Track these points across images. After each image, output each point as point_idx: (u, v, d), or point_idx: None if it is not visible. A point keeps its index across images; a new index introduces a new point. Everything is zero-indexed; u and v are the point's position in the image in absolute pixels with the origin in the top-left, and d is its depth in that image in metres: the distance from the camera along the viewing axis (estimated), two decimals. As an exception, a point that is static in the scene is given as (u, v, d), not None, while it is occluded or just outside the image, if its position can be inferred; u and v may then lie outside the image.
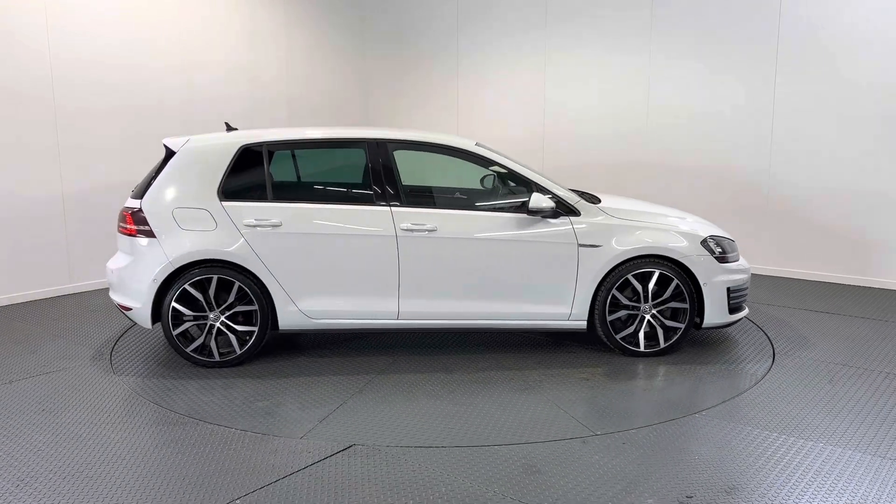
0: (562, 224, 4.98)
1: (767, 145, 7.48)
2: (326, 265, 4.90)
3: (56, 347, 5.44)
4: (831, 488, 3.28)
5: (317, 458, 3.63)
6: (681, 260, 5.02)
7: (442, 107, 9.85)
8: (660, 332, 5.09)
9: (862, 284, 7.10)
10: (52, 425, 4.04)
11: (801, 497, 3.20)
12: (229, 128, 5.43)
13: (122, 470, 3.51)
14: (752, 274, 7.59)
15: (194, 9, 7.93)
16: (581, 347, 5.32)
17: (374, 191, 4.98)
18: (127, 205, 4.99)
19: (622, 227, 5.04)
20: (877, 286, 7.02)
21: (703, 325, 5.13)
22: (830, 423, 3.98)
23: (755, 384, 4.58)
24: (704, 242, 5.11)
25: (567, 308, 5.05)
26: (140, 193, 4.96)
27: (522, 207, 4.98)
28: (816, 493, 3.24)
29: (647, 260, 5.00)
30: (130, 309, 4.91)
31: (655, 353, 5.11)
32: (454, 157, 5.15)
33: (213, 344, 4.90)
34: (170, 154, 5.00)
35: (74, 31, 6.92)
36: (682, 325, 5.08)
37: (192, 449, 3.74)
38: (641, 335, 5.09)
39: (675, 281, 5.01)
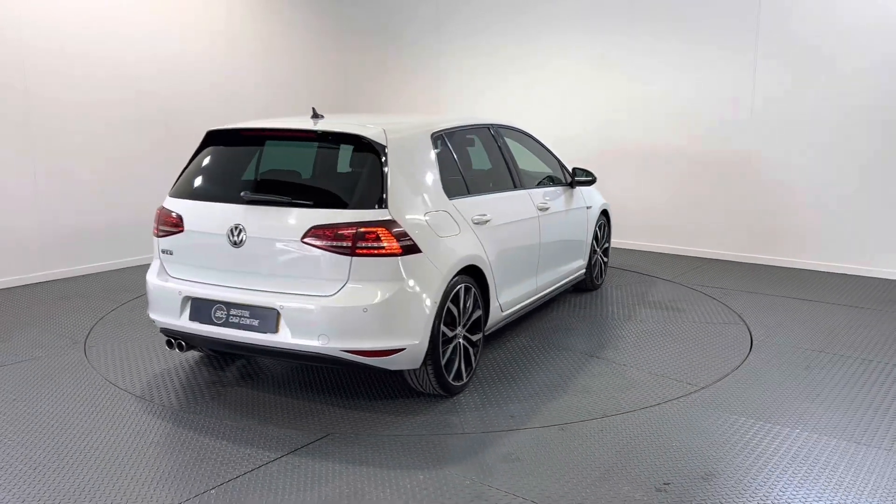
0: (578, 192, 5.99)
1: (747, 132, 7.49)
2: (515, 254, 4.84)
3: (28, 336, 5.34)
4: (807, 474, 3.30)
5: (292, 447, 3.59)
6: (608, 210, 6.67)
7: (425, 95, 9.78)
8: (604, 267, 6.73)
9: (839, 272, 7.15)
10: (23, 415, 3.97)
11: (776, 483, 3.22)
12: (315, 113, 4.56)
13: (94, 460, 3.45)
14: (730, 261, 7.70)
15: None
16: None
17: (512, 175, 5.15)
18: (361, 219, 3.75)
19: (589, 192, 6.26)
20: (854, 273, 7.07)
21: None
22: (807, 410, 4.00)
23: (732, 371, 4.60)
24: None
25: (584, 260, 6.20)
26: (365, 200, 3.83)
27: (562, 181, 5.84)
28: (792, 478, 3.26)
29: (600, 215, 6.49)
30: (401, 350, 3.80)
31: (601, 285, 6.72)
32: (525, 145, 5.72)
33: (462, 364, 4.22)
34: (375, 149, 3.96)
35: (48, 24, 6.76)
36: (607, 259, 6.83)
37: (166, 438, 3.69)
38: (598, 272, 6.60)
39: (608, 227, 6.71)
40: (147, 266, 7.50)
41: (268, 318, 3.84)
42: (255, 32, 8.76)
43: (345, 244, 3.72)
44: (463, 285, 4.15)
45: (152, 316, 4.31)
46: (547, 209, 5.32)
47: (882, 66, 6.68)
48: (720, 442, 3.62)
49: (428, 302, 3.87)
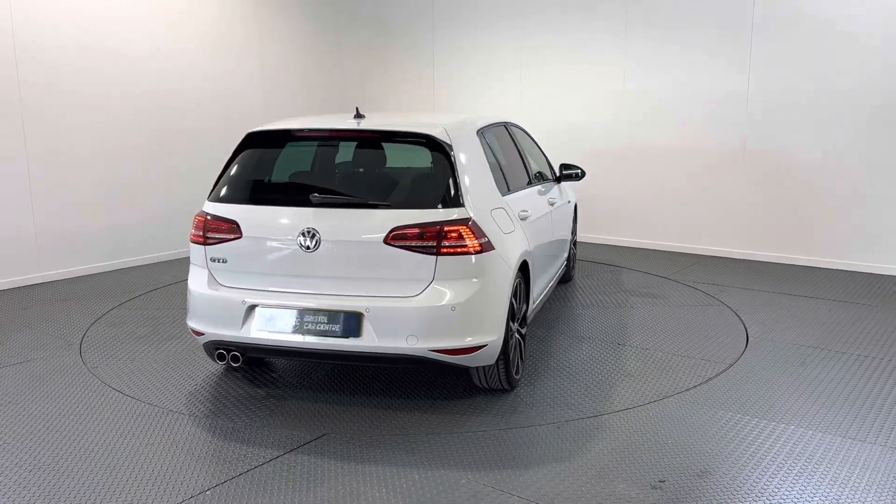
0: (563, 187, 6.12)
1: (742, 130, 7.50)
2: (542, 248, 4.97)
3: (24, 338, 5.33)
4: (802, 470, 3.30)
5: (288, 447, 3.59)
6: (577, 204, 6.82)
7: (422, 94, 9.77)
8: (574, 259, 6.86)
9: (834, 268, 7.16)
10: (19, 417, 3.96)
11: (772, 479, 3.22)
12: (358, 113, 4.44)
13: (90, 462, 3.45)
14: (725, 258, 7.69)
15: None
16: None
17: (527, 172, 5.23)
18: (442, 218, 3.75)
19: (566, 186, 6.30)
20: (850, 269, 7.08)
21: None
22: (802, 406, 4.01)
23: (728, 367, 4.61)
24: None
25: (566, 252, 6.25)
26: (441, 200, 3.82)
27: (549, 177, 5.87)
28: (787, 475, 3.27)
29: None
30: (483, 347, 3.79)
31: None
32: (522, 142, 5.68)
33: (519, 360, 4.34)
34: (444, 148, 3.95)
35: (45, 24, 6.74)
36: (576, 251, 7.02)
37: (161, 439, 3.69)
38: (573, 263, 6.82)
39: (576, 220, 6.82)
40: (146, 267, 7.59)
41: (349, 322, 3.76)
42: (253, 31, 8.73)
43: (430, 244, 3.71)
44: (518, 280, 4.21)
45: (198, 328, 4.05)
46: (554, 203, 5.48)
47: (880, 61, 6.68)
48: (715, 439, 3.62)
49: (503, 298, 3.92)
